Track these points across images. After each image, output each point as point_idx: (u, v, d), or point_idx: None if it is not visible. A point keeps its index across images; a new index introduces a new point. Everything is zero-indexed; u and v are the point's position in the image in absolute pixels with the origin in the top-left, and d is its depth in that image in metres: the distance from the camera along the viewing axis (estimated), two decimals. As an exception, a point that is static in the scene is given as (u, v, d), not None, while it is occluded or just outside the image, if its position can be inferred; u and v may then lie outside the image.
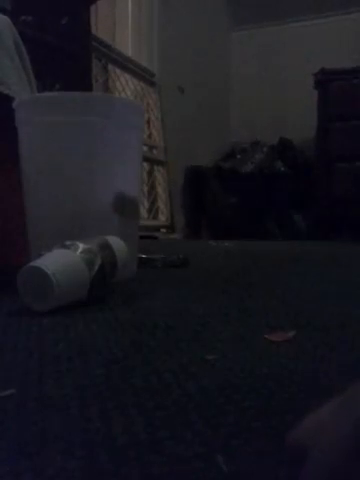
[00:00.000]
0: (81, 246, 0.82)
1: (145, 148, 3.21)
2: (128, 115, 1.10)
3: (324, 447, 0.21)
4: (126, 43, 3.36)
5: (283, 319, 0.74)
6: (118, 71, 3.19)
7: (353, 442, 0.20)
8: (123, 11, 3.32)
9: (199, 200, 3.62)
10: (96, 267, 0.82)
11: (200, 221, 3.54)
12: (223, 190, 3.63)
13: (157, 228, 3.39)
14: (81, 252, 0.81)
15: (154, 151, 3.51)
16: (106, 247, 0.87)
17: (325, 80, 3.33)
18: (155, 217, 3.47)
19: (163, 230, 3.47)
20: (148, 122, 3.41)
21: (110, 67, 3.11)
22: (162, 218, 3.52)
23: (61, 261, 0.80)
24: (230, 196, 3.59)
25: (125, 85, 3.25)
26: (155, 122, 3.50)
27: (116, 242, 0.90)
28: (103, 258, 0.84)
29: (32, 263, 0.78)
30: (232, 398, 0.42)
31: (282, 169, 3.67)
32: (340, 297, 0.96)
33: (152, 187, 3.49)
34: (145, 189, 3.35)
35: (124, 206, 1.08)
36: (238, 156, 3.87)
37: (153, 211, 3.44)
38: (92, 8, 2.42)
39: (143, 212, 3.20)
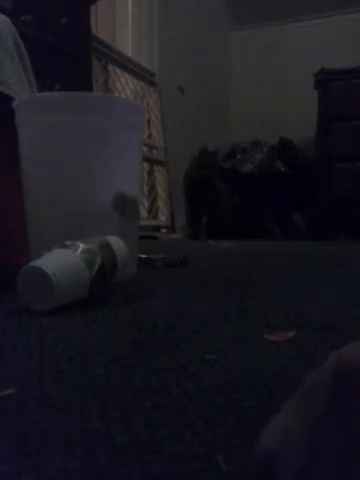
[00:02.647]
0: (81, 246, 0.82)
1: (145, 148, 3.21)
2: (128, 115, 1.10)
3: (291, 449, 0.23)
4: (126, 43, 3.36)
5: (283, 319, 0.74)
6: (118, 71, 3.19)
7: (312, 441, 0.23)
8: (123, 11, 3.32)
9: (199, 200, 3.61)
10: (96, 267, 0.82)
11: (200, 221, 3.54)
12: (223, 190, 3.63)
13: (157, 228, 3.39)
14: (81, 252, 0.81)
15: (154, 151, 3.51)
16: (106, 247, 0.87)
17: (325, 80, 3.32)
18: (155, 217, 3.46)
19: (163, 230, 3.47)
20: (148, 122, 3.41)
21: (110, 67, 3.11)
22: (162, 218, 3.52)
23: (61, 261, 0.80)
24: (230, 196, 3.59)
25: (125, 85, 3.25)
26: (155, 122, 3.50)
27: (116, 242, 0.90)
28: (103, 258, 0.84)
29: (32, 263, 0.78)
30: (232, 398, 0.42)
31: (282, 169, 3.67)
32: (340, 297, 0.95)
33: (152, 187, 3.49)
34: (145, 189, 3.35)
35: (124, 206, 1.08)
36: (238, 156, 3.87)
37: (153, 211, 3.44)
38: (92, 8, 2.42)
39: (143, 212, 3.20)
